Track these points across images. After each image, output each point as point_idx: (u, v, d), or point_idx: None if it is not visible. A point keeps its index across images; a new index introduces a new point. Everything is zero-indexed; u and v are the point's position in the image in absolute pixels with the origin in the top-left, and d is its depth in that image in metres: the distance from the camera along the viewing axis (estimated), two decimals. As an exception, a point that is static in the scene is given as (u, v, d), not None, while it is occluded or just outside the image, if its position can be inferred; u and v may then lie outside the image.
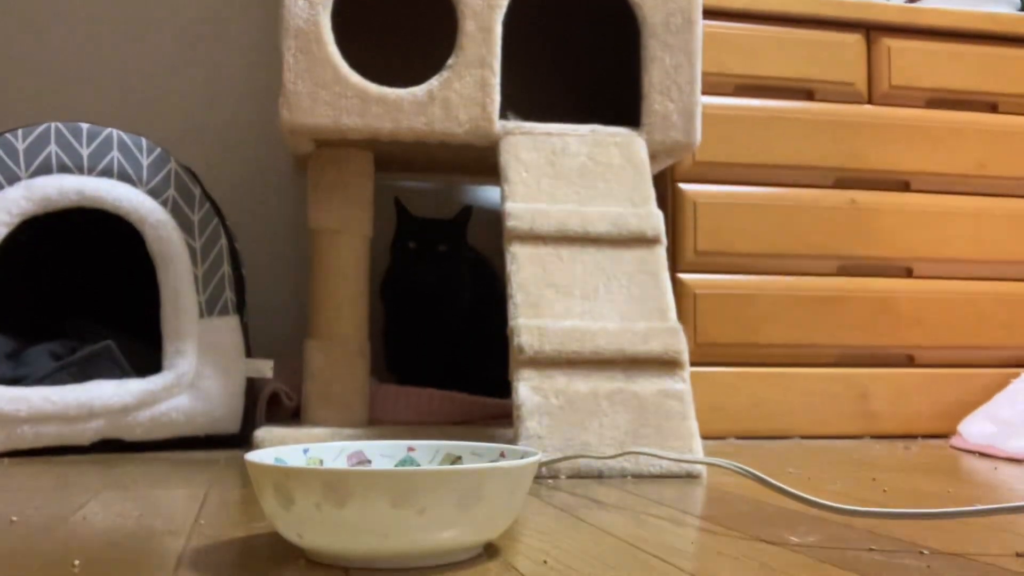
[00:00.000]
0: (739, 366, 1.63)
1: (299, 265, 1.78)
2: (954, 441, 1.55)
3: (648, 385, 1.15)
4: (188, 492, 0.95)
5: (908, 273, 1.71)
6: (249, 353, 1.42)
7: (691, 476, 1.10)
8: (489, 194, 1.89)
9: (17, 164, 1.32)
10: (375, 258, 1.47)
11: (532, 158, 1.32)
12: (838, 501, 0.81)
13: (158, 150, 1.39)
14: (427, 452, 0.77)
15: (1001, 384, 1.66)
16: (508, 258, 1.23)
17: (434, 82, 1.33)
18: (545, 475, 1.08)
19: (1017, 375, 1.65)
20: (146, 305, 1.39)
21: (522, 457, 0.70)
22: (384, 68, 1.39)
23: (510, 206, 1.26)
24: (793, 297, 1.65)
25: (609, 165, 1.33)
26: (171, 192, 1.37)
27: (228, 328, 1.39)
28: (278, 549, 0.67)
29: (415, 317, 1.57)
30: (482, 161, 1.44)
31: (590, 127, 1.36)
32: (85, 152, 1.35)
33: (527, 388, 1.13)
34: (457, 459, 0.76)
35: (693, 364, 1.55)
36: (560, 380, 1.14)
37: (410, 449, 0.77)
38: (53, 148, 1.34)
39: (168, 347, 1.35)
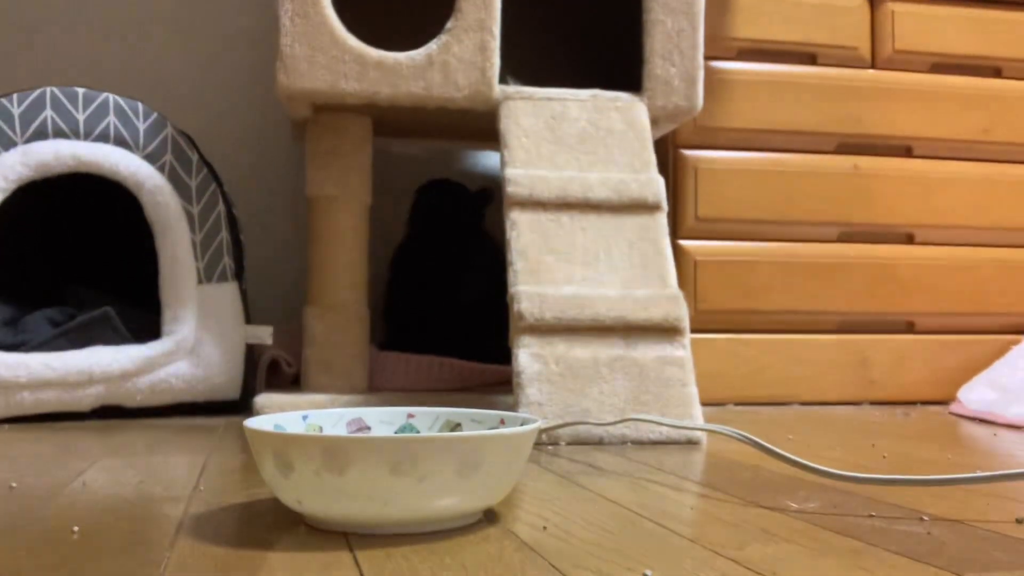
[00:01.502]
0: (739, 333, 1.63)
1: (298, 231, 1.78)
2: (954, 408, 1.55)
3: (648, 352, 1.15)
4: (188, 459, 0.95)
5: (909, 240, 1.70)
6: (248, 319, 1.41)
7: (691, 442, 1.10)
8: (489, 160, 1.88)
9: (13, 129, 1.31)
10: (374, 224, 1.46)
11: (532, 123, 1.31)
12: (838, 467, 0.81)
13: (155, 115, 1.38)
14: (427, 419, 0.77)
15: (1001, 351, 1.66)
16: (508, 224, 1.22)
17: (433, 46, 1.31)
18: (545, 442, 1.08)
19: (1017, 342, 1.65)
20: (144, 271, 1.39)
21: (522, 424, 0.70)
22: (382, 31, 1.38)
23: (510, 172, 1.25)
24: (794, 264, 1.64)
25: (610, 131, 1.32)
26: (168, 157, 1.36)
27: (227, 294, 1.38)
28: (278, 515, 0.67)
29: (424, 290, 1.56)
30: (482, 126, 1.43)
31: (591, 92, 1.35)
32: (81, 117, 1.34)
33: (527, 355, 1.12)
34: (457, 426, 0.76)
35: (693, 331, 1.54)
36: (560, 347, 1.14)
37: (410, 416, 0.77)
38: (49, 113, 1.33)
39: (167, 313, 1.35)
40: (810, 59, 1.67)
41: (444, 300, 1.55)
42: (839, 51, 1.68)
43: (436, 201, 1.59)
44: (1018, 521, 0.67)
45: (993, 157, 1.74)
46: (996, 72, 1.75)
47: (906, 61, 1.71)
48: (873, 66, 1.70)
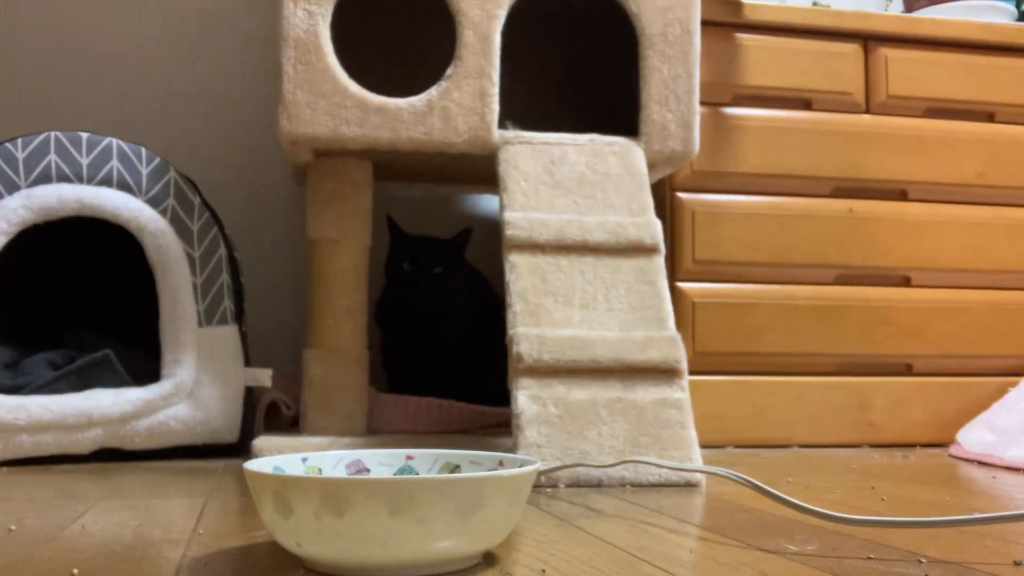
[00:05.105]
0: (737, 375, 1.63)
1: (298, 274, 1.79)
2: (953, 450, 1.55)
3: (647, 394, 1.15)
4: (186, 501, 0.95)
5: (906, 282, 1.71)
6: (248, 362, 1.42)
7: (690, 485, 1.10)
8: (488, 204, 1.89)
9: (17, 173, 1.32)
10: (374, 267, 1.47)
11: (531, 167, 1.32)
12: (837, 510, 0.81)
13: (158, 159, 1.39)
14: (426, 461, 0.77)
15: (999, 393, 1.66)
16: (507, 267, 1.23)
17: (433, 92, 1.33)
18: (544, 484, 1.08)
19: (1015, 384, 1.65)
20: (145, 314, 1.39)
21: (521, 466, 0.70)
22: (383, 78, 1.40)
23: (509, 215, 1.26)
24: (791, 306, 1.65)
25: (607, 174, 1.34)
26: (170, 201, 1.37)
27: (227, 337, 1.39)
28: (277, 558, 0.67)
29: (411, 340, 1.57)
30: (481, 170, 1.44)
31: (588, 137, 1.37)
32: (85, 161, 1.35)
33: (526, 397, 1.13)
34: (456, 468, 0.76)
35: (692, 373, 1.55)
36: (559, 389, 1.14)
37: (409, 458, 0.78)
38: (53, 157, 1.34)
39: (167, 356, 1.35)
40: (805, 104, 1.69)
41: (429, 341, 1.56)
42: (834, 96, 1.70)
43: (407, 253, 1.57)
44: (1016, 563, 0.67)
45: (988, 200, 1.75)
46: (989, 117, 1.77)
47: (900, 106, 1.73)
48: (868, 111, 1.72)
